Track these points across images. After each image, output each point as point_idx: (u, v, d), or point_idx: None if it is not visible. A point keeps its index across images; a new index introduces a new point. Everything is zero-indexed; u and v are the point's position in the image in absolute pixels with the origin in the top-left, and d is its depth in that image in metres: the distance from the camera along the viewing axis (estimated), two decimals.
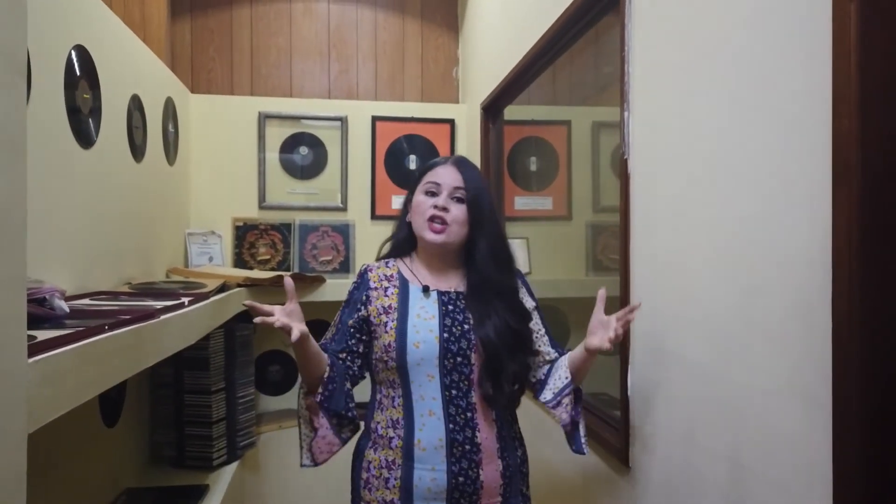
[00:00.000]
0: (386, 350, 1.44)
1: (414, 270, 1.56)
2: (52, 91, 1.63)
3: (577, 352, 1.45)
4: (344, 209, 3.33)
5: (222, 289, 2.26)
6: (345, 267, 3.30)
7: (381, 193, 3.36)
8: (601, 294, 1.39)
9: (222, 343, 2.48)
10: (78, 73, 1.77)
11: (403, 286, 1.52)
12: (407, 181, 3.36)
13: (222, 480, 2.32)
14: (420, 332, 1.43)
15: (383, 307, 1.49)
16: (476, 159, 3.15)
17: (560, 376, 1.48)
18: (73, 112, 1.73)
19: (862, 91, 0.78)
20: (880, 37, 0.78)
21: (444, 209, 1.47)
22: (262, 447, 2.86)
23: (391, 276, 1.54)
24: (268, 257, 3.24)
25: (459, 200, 1.49)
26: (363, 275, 1.56)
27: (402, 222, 1.60)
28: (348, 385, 1.48)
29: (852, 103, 0.79)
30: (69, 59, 1.73)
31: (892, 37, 0.78)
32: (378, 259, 1.63)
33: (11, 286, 0.75)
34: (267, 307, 1.33)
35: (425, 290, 1.50)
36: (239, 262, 3.21)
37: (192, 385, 2.41)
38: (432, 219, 1.47)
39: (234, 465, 2.48)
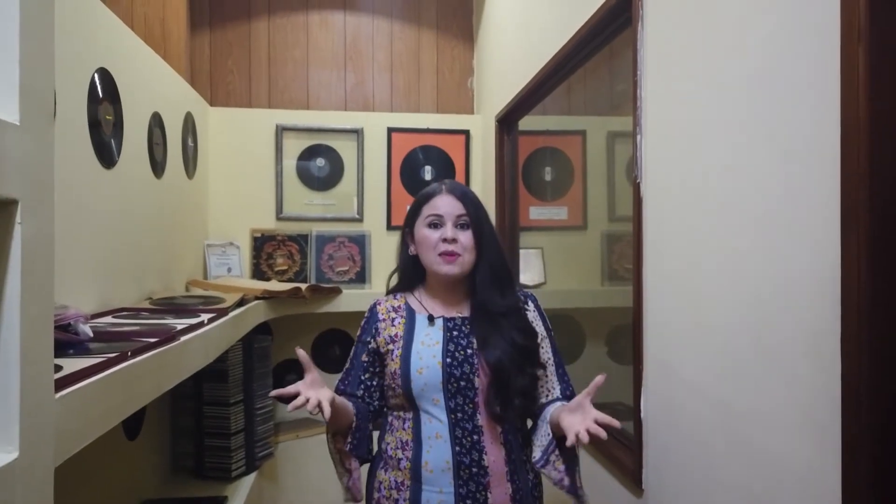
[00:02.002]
0: (392, 377, 1.49)
1: (422, 301, 1.58)
2: (76, 114, 1.67)
3: (556, 416, 1.39)
4: (360, 220, 3.36)
5: (241, 303, 2.29)
6: (361, 277, 3.33)
7: (397, 204, 3.38)
8: (598, 380, 1.31)
9: (240, 355, 2.52)
10: (101, 95, 1.81)
11: (410, 316, 1.55)
12: None
13: (240, 491, 2.36)
14: (423, 359, 1.46)
15: (390, 336, 1.53)
16: (491, 170, 3.16)
17: (544, 432, 1.45)
18: (96, 134, 1.77)
19: (871, 132, 0.79)
20: (889, 78, 0.79)
21: (454, 240, 1.48)
22: (280, 457, 2.89)
23: (398, 307, 1.58)
24: (285, 268, 3.28)
25: (464, 227, 1.51)
26: (372, 309, 1.61)
27: (405, 255, 1.61)
28: (370, 426, 1.55)
29: (861, 144, 0.80)
30: (92, 82, 1.77)
31: None
32: (388, 293, 1.65)
33: (39, 326, 0.77)
34: (291, 389, 1.34)
35: (430, 318, 1.53)
36: (257, 272, 3.25)
37: (211, 397, 2.44)
38: (444, 253, 1.49)
39: (253, 475, 2.51)
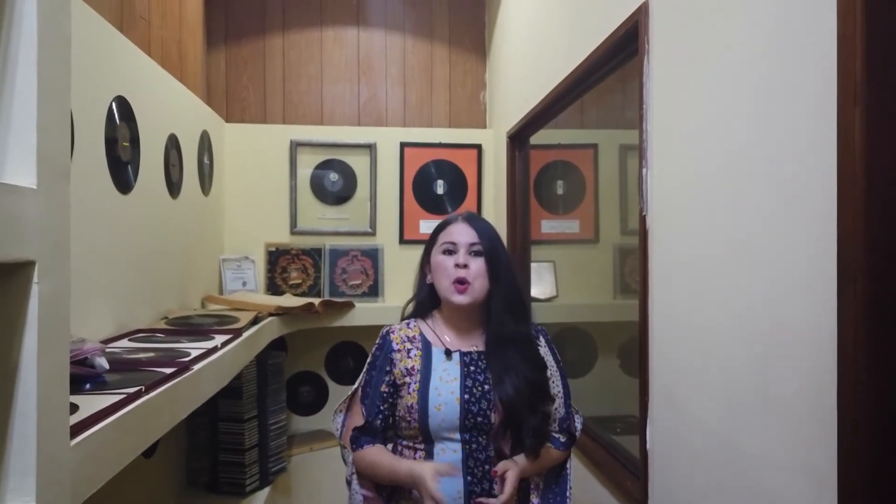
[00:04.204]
0: (408, 411, 1.48)
1: (436, 330, 1.58)
2: (93, 143, 1.71)
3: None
4: (373, 234, 3.39)
5: (255, 321, 2.33)
6: (374, 291, 3.36)
7: (410, 218, 3.41)
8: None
9: (254, 372, 2.55)
10: (118, 123, 1.86)
11: (426, 348, 1.55)
12: (435, 206, 3.42)
13: None
14: (442, 395, 1.47)
15: (406, 369, 1.52)
16: (503, 184, 3.18)
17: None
18: (113, 161, 1.81)
19: (867, 191, 0.79)
20: (886, 140, 0.79)
21: (465, 266, 1.50)
22: (293, 470, 2.92)
23: (413, 337, 1.57)
24: (299, 281, 3.31)
25: (477, 254, 1.53)
26: (385, 337, 1.59)
27: (422, 282, 1.63)
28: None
29: (858, 202, 0.80)
30: (110, 111, 1.81)
31: None
32: (402, 319, 1.66)
33: (56, 379, 0.81)
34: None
35: (447, 353, 1.53)
36: (271, 286, 3.29)
37: (225, 413, 2.48)
38: (456, 280, 1.50)
39: (266, 490, 2.55)
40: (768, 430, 1.05)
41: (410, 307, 1.66)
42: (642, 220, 1.49)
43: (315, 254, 3.33)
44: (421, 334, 1.57)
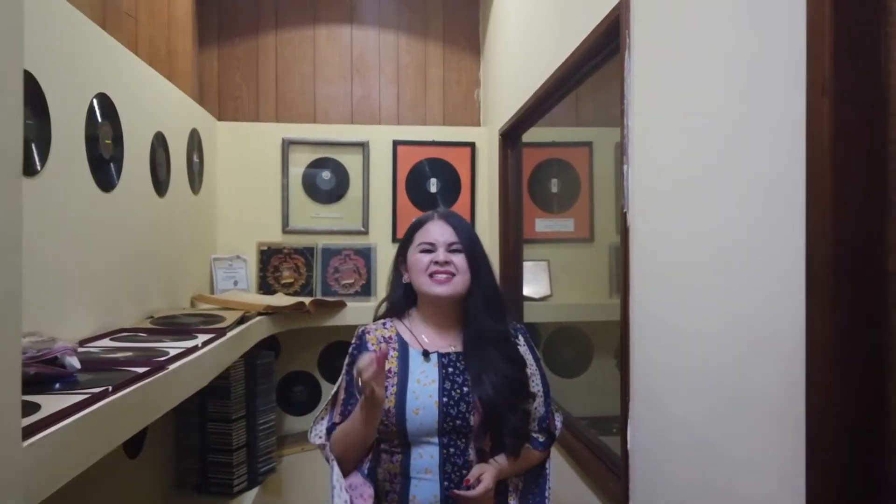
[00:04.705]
0: (385, 414, 1.44)
1: (413, 330, 1.55)
2: (73, 141, 1.70)
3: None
4: (366, 233, 3.37)
5: (242, 320, 2.31)
6: (366, 290, 3.34)
7: (403, 216, 3.39)
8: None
9: (243, 372, 2.54)
10: (99, 120, 1.84)
11: (403, 349, 1.52)
12: (428, 204, 3.39)
13: None
14: (420, 399, 1.44)
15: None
16: (496, 182, 3.16)
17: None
18: (95, 159, 1.80)
19: (835, 185, 0.77)
20: (852, 130, 0.77)
21: (447, 262, 1.48)
22: (284, 471, 2.91)
23: (390, 337, 1.54)
24: (291, 280, 3.30)
25: (457, 251, 1.50)
26: (361, 337, 1.56)
27: (397, 282, 1.60)
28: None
29: (826, 196, 0.78)
30: (91, 108, 1.79)
31: (869, 137, 0.77)
32: (375, 320, 1.63)
33: (5, 381, 0.79)
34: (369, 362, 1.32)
35: (425, 354, 1.51)
36: (263, 285, 3.27)
37: (214, 413, 2.47)
38: (435, 274, 1.48)
39: (255, 490, 2.53)
40: (743, 433, 1.02)
41: (384, 307, 1.63)
42: (623, 217, 1.47)
43: (307, 253, 3.32)
44: (398, 334, 1.54)
